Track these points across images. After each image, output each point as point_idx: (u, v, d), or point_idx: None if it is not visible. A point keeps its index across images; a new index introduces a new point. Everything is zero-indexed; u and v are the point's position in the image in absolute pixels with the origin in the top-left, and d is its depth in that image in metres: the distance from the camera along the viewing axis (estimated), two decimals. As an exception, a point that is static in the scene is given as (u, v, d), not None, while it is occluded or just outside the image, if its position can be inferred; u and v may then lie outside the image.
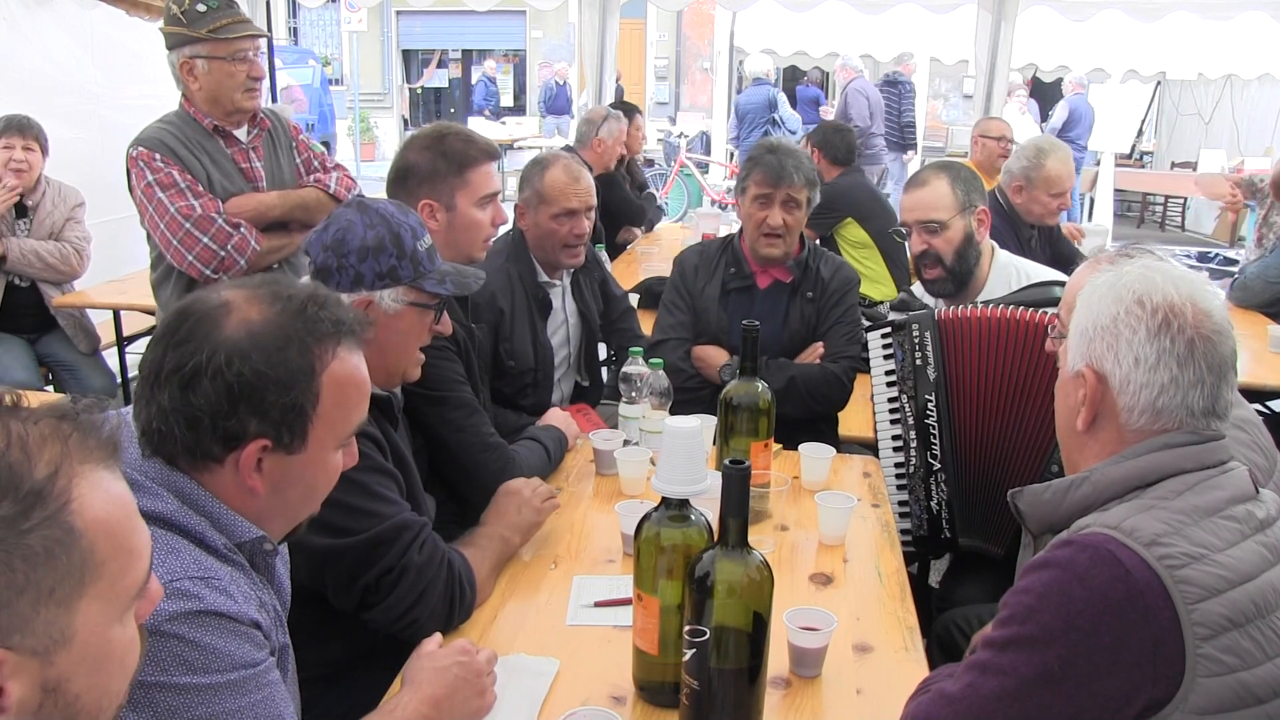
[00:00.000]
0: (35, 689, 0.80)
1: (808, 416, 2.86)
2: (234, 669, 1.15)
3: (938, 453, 2.45)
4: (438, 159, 2.37)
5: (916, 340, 2.48)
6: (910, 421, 2.48)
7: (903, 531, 2.46)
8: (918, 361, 2.48)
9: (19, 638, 0.79)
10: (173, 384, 1.23)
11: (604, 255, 4.64)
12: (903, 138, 10.53)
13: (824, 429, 3.02)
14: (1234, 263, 6.48)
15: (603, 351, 3.55)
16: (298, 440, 1.27)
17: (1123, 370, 1.38)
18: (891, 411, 2.56)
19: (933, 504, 2.46)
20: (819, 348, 2.98)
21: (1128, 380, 1.37)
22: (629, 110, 6.13)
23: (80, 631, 0.83)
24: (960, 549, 2.50)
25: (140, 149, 2.87)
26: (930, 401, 2.45)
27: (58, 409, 0.86)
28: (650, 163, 11.02)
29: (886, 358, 2.59)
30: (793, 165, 2.90)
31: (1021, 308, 2.41)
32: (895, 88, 10.43)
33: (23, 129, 4.22)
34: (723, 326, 3.02)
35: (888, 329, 2.58)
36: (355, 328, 1.35)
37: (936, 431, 2.45)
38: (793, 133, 10.47)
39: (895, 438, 2.54)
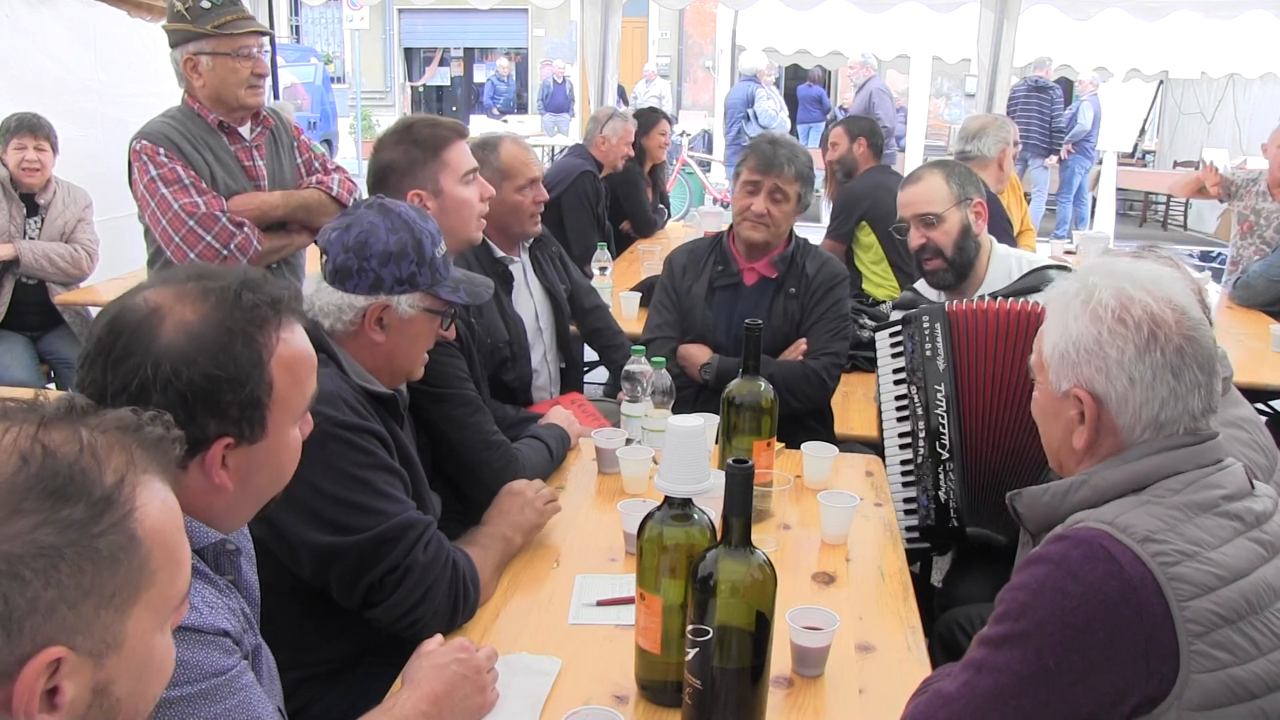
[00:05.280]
0: (86, 690, 0.83)
1: (788, 414, 2.86)
2: (204, 678, 1.15)
3: (946, 443, 2.46)
4: (411, 148, 2.37)
5: (926, 331, 2.50)
6: (919, 413, 2.49)
7: (908, 528, 2.46)
8: (927, 353, 2.49)
9: (80, 638, 0.81)
10: (121, 403, 1.16)
11: (606, 253, 4.64)
12: (1050, 142, 10.34)
13: (816, 427, 3.03)
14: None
15: (588, 354, 3.54)
16: (258, 430, 1.25)
17: (1118, 391, 1.36)
18: (899, 409, 2.57)
19: (940, 494, 2.47)
20: (802, 344, 2.99)
21: (1125, 400, 1.36)
22: (653, 115, 6.06)
23: (130, 637, 0.85)
24: (968, 539, 2.49)
25: (144, 142, 2.86)
26: (939, 392, 2.47)
27: (123, 420, 0.89)
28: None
29: (895, 355, 2.61)
30: (786, 156, 2.92)
31: (1034, 302, 2.43)
32: (1045, 92, 10.16)
33: (34, 129, 4.24)
34: (708, 324, 3.04)
35: (897, 325, 2.60)
36: (293, 304, 1.32)
37: (945, 422, 2.46)
38: (764, 127, 10.50)
39: (903, 435, 2.55)
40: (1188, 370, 1.34)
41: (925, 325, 2.51)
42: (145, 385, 1.19)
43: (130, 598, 0.85)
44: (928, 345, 2.50)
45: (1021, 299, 2.46)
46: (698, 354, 3.02)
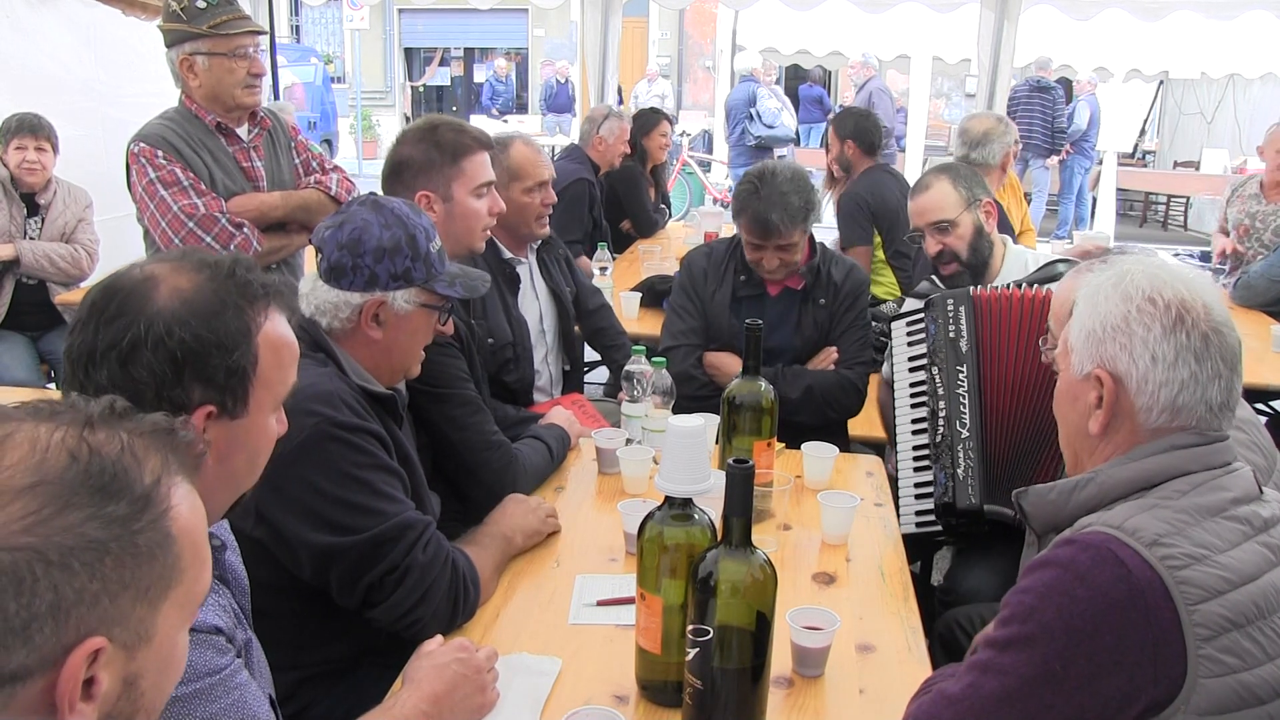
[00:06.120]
0: (118, 682, 0.86)
1: (823, 424, 2.85)
2: (200, 678, 1.16)
3: (967, 421, 2.47)
4: (432, 150, 2.38)
5: (950, 314, 2.52)
6: (940, 393, 2.50)
7: (920, 512, 2.45)
8: (950, 334, 2.51)
9: (118, 630, 0.84)
10: (110, 361, 1.20)
11: (606, 252, 4.64)
12: (1053, 143, 10.40)
13: (835, 431, 3.01)
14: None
15: (589, 354, 3.53)
16: (240, 404, 1.26)
17: (1139, 369, 1.37)
18: (914, 395, 2.58)
19: (959, 471, 2.47)
20: (832, 353, 2.96)
21: (1145, 379, 1.36)
22: (654, 116, 6.03)
23: (159, 632, 0.88)
24: (984, 518, 2.49)
25: (142, 145, 2.86)
26: (961, 373, 2.48)
27: (157, 423, 0.93)
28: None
29: (912, 343, 2.63)
30: (778, 216, 2.78)
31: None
32: (1047, 93, 10.21)
33: (34, 129, 4.24)
34: (734, 333, 2.97)
35: (919, 311, 2.61)
36: (282, 289, 1.35)
37: (966, 402, 2.47)
38: (770, 127, 10.49)
39: (916, 420, 2.56)
40: (1211, 359, 1.35)
41: (950, 308, 2.52)
42: (137, 343, 1.20)
43: (162, 593, 0.88)
44: (951, 327, 2.51)
45: (1047, 287, 2.48)
46: (731, 364, 2.94)
